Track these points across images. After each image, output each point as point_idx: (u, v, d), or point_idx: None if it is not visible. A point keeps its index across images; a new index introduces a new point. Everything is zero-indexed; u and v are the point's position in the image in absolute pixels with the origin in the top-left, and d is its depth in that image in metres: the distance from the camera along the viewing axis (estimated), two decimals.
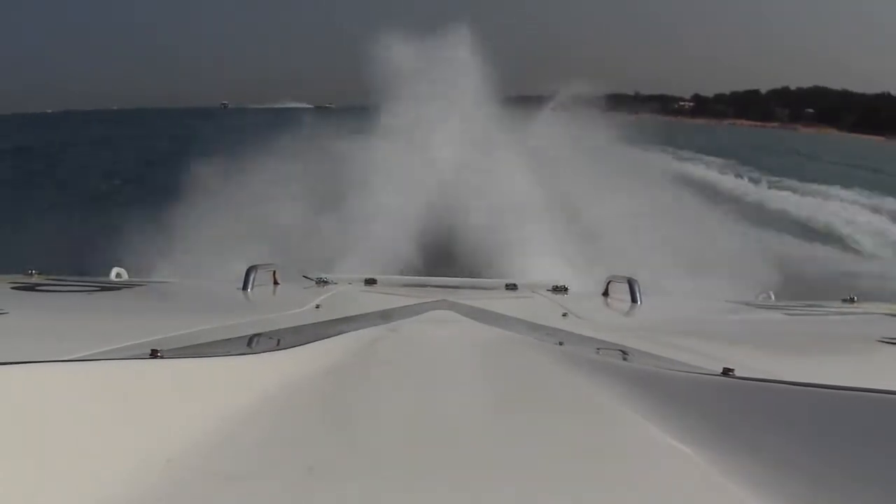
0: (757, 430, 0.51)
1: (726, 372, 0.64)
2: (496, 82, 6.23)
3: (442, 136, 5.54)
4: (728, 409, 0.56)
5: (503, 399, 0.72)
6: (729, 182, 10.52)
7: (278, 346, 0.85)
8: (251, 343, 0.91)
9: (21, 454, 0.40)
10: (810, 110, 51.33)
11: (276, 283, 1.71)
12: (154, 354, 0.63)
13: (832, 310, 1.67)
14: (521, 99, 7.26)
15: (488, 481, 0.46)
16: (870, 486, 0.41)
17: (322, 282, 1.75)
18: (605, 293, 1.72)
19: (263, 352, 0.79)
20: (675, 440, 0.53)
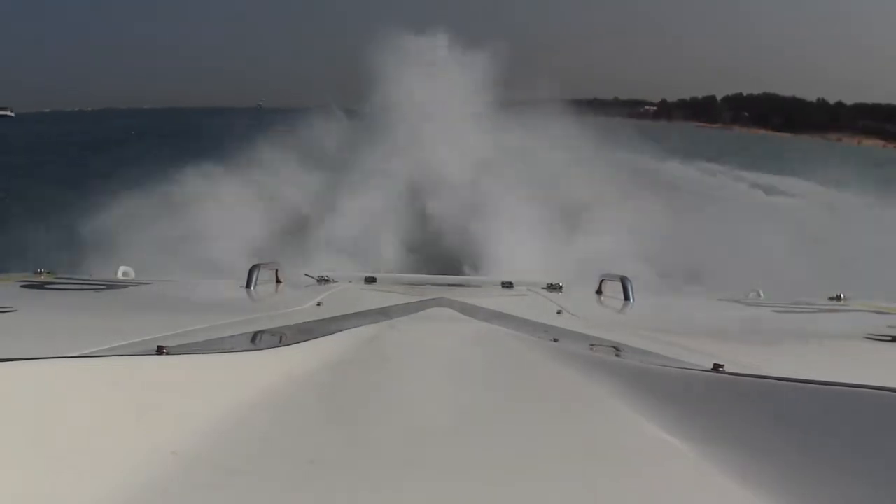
0: (746, 425, 0.52)
1: (716, 368, 0.65)
2: (487, 86, 6.47)
3: (435, 138, 5.76)
4: (718, 404, 0.56)
5: (499, 394, 0.73)
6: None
7: (281, 343, 0.86)
8: (254, 340, 0.92)
9: (33, 447, 0.40)
10: (745, 113, 59.59)
11: (278, 281, 1.72)
12: (160, 351, 0.63)
13: (819, 307, 1.69)
14: (510, 102, 7.56)
15: (484, 474, 0.47)
16: (856, 479, 0.42)
17: (323, 280, 1.76)
18: (599, 291, 1.74)
19: (266, 348, 0.80)
20: (666, 434, 0.54)
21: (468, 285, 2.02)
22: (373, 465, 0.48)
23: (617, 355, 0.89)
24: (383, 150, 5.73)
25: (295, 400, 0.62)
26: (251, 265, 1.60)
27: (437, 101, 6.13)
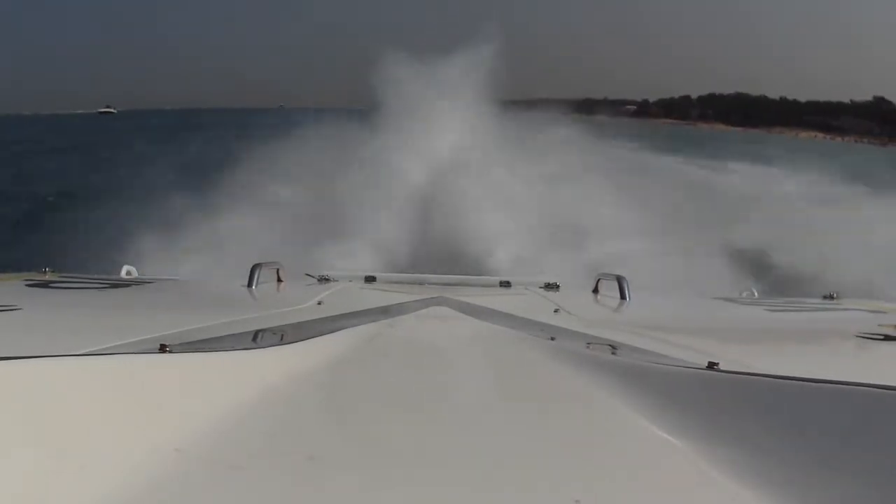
0: (740, 422, 0.52)
1: (711, 366, 0.67)
2: (490, 87, 6.68)
3: (439, 139, 5.92)
4: (712, 401, 0.57)
5: (497, 391, 0.75)
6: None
7: (282, 341, 0.87)
8: (256, 338, 0.92)
9: (37, 444, 0.41)
10: (709, 111, 63.22)
11: (279, 280, 1.74)
12: (163, 349, 0.64)
13: (813, 306, 1.72)
14: (509, 103, 7.85)
15: (482, 470, 0.48)
16: (849, 476, 0.43)
17: (324, 279, 1.78)
18: (595, 290, 1.76)
19: (268, 346, 0.80)
20: (661, 431, 0.54)
21: (467, 284, 2.03)
22: (372, 462, 0.49)
23: (613, 353, 0.90)
24: (387, 151, 5.85)
25: (295, 398, 0.62)
26: (252, 264, 1.62)
27: (442, 103, 6.34)
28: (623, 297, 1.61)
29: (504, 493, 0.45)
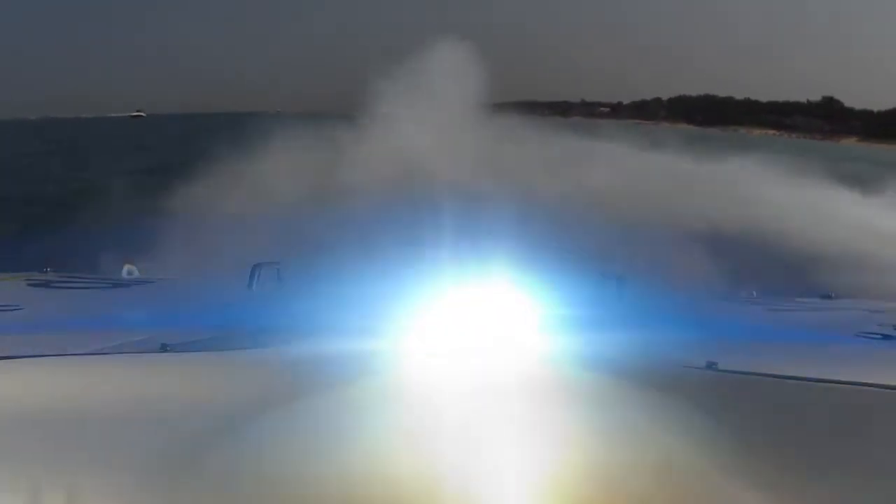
0: (738, 420, 0.53)
1: (710, 365, 0.67)
2: (472, 91, 6.84)
3: (426, 140, 6.03)
4: (711, 399, 0.57)
5: (496, 390, 0.73)
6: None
7: (282, 341, 0.85)
8: (256, 338, 0.91)
9: (39, 442, 0.42)
10: (677, 112, 67.93)
11: (279, 280, 1.74)
12: (164, 348, 0.65)
13: (812, 306, 1.74)
14: (498, 106, 8.02)
15: (482, 468, 0.49)
16: (848, 474, 0.43)
17: (323, 279, 1.75)
18: (595, 289, 1.74)
19: (267, 346, 0.80)
20: (661, 430, 0.54)
21: (466, 284, 2.03)
22: (370, 451, 0.50)
23: (614, 353, 0.89)
24: (382, 154, 5.92)
25: (295, 396, 0.62)
26: (253, 264, 1.61)
27: (430, 108, 6.46)
28: (622, 296, 1.61)
29: (504, 492, 0.45)
